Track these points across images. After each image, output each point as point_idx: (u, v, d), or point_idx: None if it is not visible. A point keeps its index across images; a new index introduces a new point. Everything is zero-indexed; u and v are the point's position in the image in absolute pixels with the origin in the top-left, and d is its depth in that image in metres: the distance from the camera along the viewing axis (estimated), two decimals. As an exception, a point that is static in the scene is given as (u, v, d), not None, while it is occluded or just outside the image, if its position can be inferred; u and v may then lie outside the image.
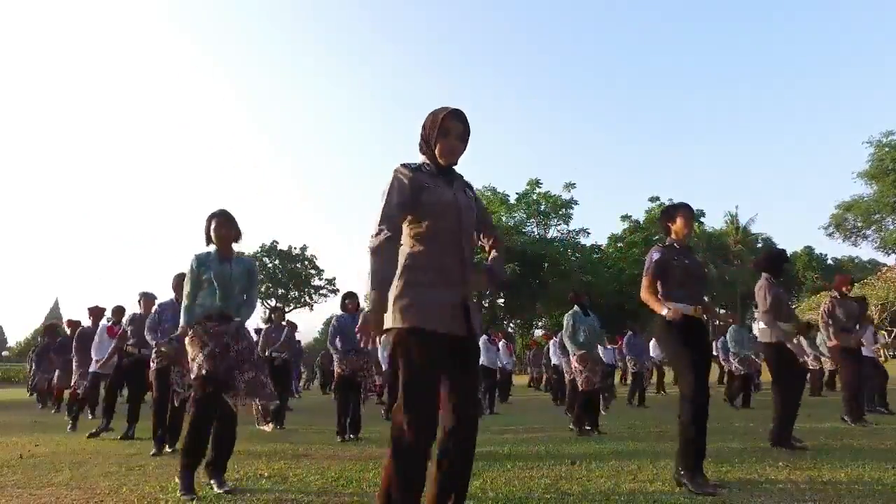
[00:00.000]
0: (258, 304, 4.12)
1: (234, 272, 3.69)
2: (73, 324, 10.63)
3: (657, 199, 45.32)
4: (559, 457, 4.51)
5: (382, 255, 2.10)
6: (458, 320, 2.17)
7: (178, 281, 5.25)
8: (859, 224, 37.75)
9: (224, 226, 3.70)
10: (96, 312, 8.55)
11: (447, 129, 2.24)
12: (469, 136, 2.32)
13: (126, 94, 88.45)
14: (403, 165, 2.26)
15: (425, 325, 2.09)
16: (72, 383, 9.13)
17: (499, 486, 3.45)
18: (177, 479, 3.61)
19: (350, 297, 6.48)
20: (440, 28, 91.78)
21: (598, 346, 6.51)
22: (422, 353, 2.08)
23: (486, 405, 9.66)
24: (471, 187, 2.43)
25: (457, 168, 2.37)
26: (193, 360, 3.48)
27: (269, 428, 3.77)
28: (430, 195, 2.20)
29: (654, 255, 3.59)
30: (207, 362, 3.41)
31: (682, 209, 3.67)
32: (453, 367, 2.15)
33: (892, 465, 3.74)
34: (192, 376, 3.49)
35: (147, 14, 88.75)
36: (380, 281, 2.08)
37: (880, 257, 42.94)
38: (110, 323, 7.37)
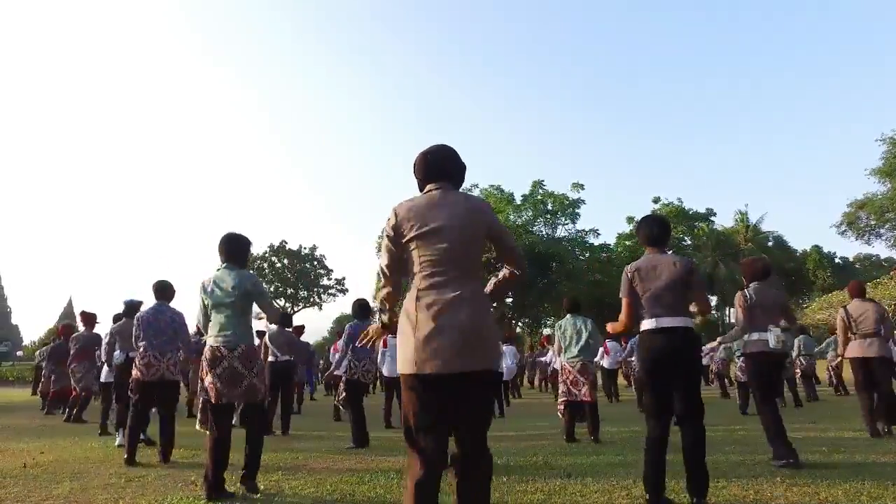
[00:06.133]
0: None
1: None
2: (68, 328, 10.50)
3: (659, 199, 45.21)
4: (555, 469, 4.51)
5: None
6: None
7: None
8: (872, 222, 37.25)
9: None
10: (88, 317, 8.57)
11: None
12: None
13: (141, 96, 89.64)
14: None
15: None
16: (72, 387, 9.19)
17: (492, 500, 3.44)
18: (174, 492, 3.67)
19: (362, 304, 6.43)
20: (449, 28, 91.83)
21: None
22: None
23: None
24: None
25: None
26: None
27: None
28: None
29: None
30: None
31: None
32: None
33: (892, 481, 3.68)
34: None
35: (161, 19, 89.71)
36: None
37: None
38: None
